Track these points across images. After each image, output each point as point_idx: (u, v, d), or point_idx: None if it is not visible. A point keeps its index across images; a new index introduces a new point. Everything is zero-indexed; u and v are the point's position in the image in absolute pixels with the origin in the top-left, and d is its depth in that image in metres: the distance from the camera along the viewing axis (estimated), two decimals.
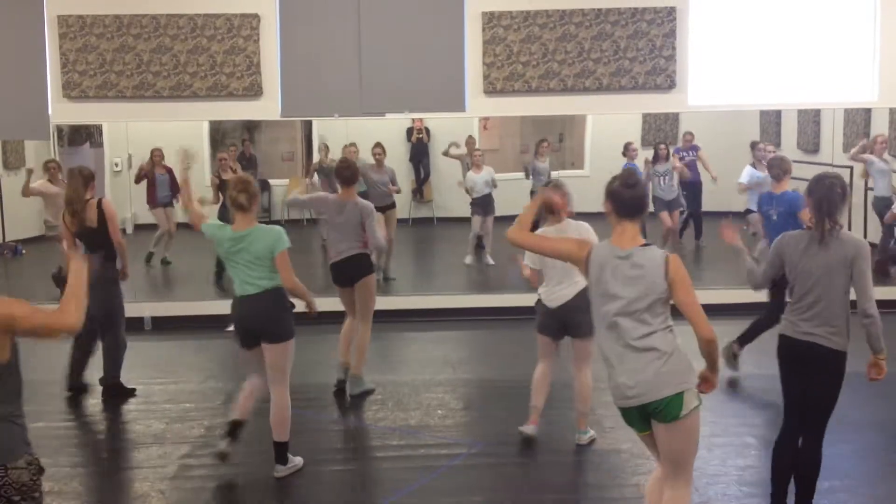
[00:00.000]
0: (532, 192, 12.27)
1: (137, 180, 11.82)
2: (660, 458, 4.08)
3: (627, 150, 11.72)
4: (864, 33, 9.38)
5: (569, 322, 5.80)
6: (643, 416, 3.95)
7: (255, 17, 9.21)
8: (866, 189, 11.29)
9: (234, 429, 5.63)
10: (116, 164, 12.77)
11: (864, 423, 6.41)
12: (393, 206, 11.31)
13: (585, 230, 5.66)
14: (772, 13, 9.34)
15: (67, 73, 9.16)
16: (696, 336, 3.86)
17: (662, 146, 12.01)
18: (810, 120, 12.30)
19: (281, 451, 5.56)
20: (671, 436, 3.91)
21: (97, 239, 6.94)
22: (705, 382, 3.99)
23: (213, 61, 9.20)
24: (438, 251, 13.84)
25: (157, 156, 11.81)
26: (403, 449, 6.11)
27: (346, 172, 7.07)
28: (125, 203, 12.34)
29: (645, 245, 3.95)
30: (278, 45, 9.17)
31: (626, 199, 3.95)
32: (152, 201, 11.89)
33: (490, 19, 9.24)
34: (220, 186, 11.47)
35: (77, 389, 7.26)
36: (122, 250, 7.11)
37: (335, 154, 12.09)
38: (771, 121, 13.09)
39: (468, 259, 11.92)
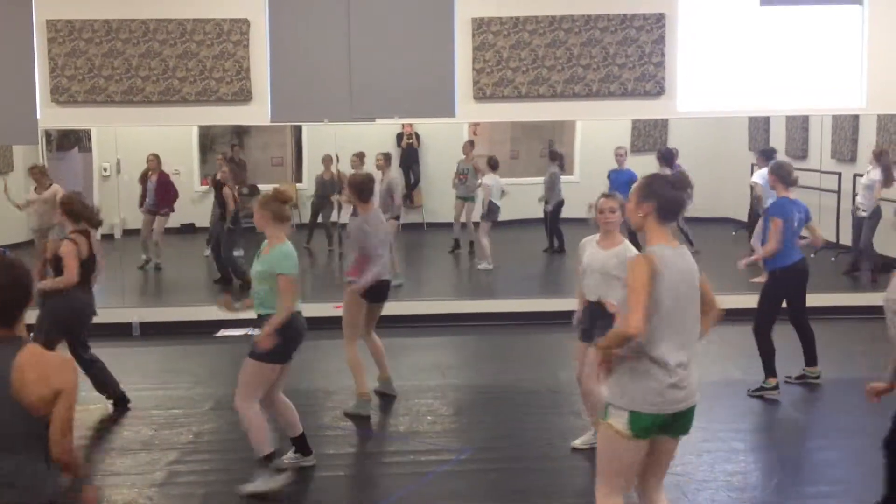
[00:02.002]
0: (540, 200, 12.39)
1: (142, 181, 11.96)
2: (646, 472, 3.98)
3: (616, 155, 11.74)
4: (852, 40, 9.43)
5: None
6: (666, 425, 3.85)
7: (245, 22, 9.20)
8: (854, 196, 11.35)
9: (300, 444, 5.72)
10: (105, 169, 12.73)
11: (853, 428, 6.43)
12: (397, 217, 11.35)
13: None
14: (760, 20, 9.38)
15: (56, 78, 9.13)
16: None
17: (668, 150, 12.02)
18: (799, 126, 12.36)
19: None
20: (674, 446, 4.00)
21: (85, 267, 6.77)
22: None
23: (202, 66, 9.18)
24: (428, 257, 13.83)
25: (150, 161, 11.79)
26: (393, 455, 6.10)
27: (362, 187, 6.84)
28: (114, 208, 12.29)
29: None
30: (268, 50, 9.16)
31: (677, 201, 3.84)
32: (142, 205, 11.94)
33: (480, 25, 9.25)
34: (214, 185, 11.47)
35: (120, 400, 7.07)
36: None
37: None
38: (759, 127, 13.15)
39: (483, 265, 11.93)
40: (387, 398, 7.16)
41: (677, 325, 3.78)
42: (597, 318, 5.55)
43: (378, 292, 6.87)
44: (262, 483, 5.32)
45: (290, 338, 5.37)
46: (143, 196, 11.97)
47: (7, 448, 3.09)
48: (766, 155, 11.17)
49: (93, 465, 6.02)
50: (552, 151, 13.15)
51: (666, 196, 3.80)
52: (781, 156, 12.28)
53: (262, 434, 5.34)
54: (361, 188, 6.81)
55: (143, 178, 11.97)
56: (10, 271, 3.18)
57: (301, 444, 5.70)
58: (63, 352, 6.52)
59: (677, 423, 3.87)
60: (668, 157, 11.50)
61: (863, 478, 5.66)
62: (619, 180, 11.38)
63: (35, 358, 3.11)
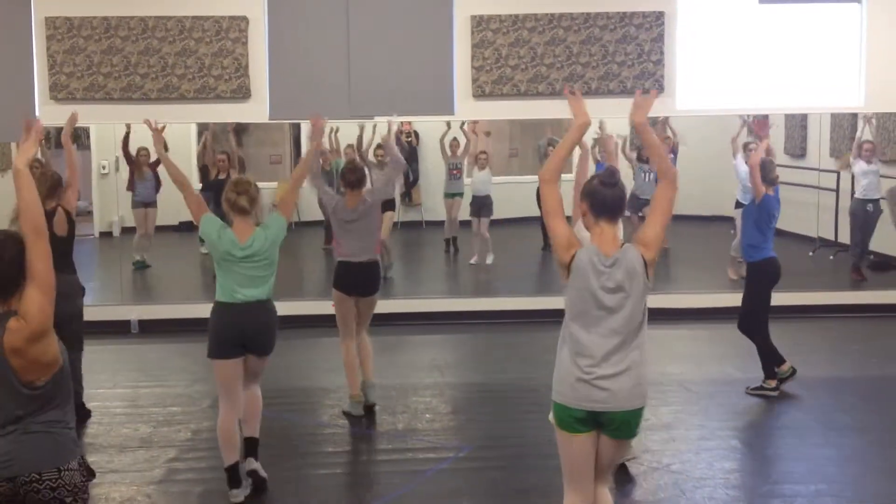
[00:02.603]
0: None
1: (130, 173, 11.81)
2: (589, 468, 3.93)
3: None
4: (851, 38, 9.44)
5: None
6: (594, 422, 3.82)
7: (244, 19, 9.19)
8: (852, 194, 11.36)
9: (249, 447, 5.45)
10: (104, 167, 12.74)
11: (849, 426, 6.45)
12: (392, 207, 11.34)
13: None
14: (760, 18, 9.38)
15: (55, 75, 9.12)
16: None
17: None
18: (797, 125, 12.37)
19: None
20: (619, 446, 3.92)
21: (62, 248, 6.23)
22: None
23: (201, 64, 9.17)
24: (427, 254, 13.84)
25: (143, 155, 11.75)
26: (391, 453, 6.11)
27: (351, 176, 6.77)
28: (112, 206, 12.31)
29: (623, 246, 3.82)
30: (267, 47, 9.16)
31: (606, 197, 3.80)
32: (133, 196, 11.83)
33: (479, 23, 9.25)
34: (214, 187, 11.43)
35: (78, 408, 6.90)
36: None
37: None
38: None
39: (474, 259, 11.97)
40: (384, 398, 7.13)
41: (588, 326, 3.77)
42: None
43: (350, 282, 6.66)
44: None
45: (214, 331, 5.25)
46: (132, 189, 11.80)
47: (14, 412, 3.18)
48: (746, 149, 11.23)
49: (92, 463, 6.03)
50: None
51: (594, 192, 3.84)
52: (780, 154, 12.31)
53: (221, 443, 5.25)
54: (343, 176, 6.82)
55: (135, 172, 11.76)
56: (14, 243, 3.23)
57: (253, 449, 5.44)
58: None
59: (607, 425, 3.79)
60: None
61: (859, 476, 5.67)
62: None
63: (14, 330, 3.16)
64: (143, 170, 11.79)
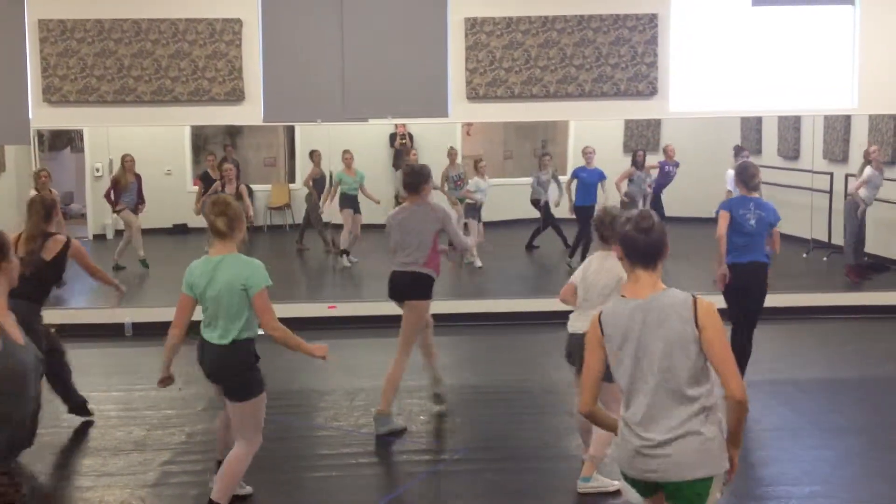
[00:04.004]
0: (536, 202, 12.39)
1: (108, 192, 11.63)
2: None
3: (584, 154, 11.77)
4: (844, 41, 9.47)
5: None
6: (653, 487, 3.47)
7: (238, 21, 9.19)
8: (846, 196, 11.38)
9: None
10: (97, 170, 12.71)
11: (843, 428, 6.45)
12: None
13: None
14: (753, 21, 9.41)
15: (48, 78, 9.11)
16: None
17: (640, 152, 12.13)
18: (790, 127, 12.40)
19: None
20: None
21: (48, 273, 6.04)
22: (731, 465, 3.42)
23: (194, 66, 9.17)
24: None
25: (128, 161, 11.65)
26: (386, 455, 6.10)
27: (407, 179, 6.49)
28: (106, 209, 12.26)
29: (664, 291, 3.42)
30: (261, 49, 9.16)
31: (639, 245, 3.41)
32: (118, 204, 11.71)
33: (473, 25, 9.26)
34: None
35: (79, 407, 6.82)
36: (112, 283, 6.63)
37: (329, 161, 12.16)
38: (751, 127, 13.18)
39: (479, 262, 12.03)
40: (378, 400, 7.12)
41: (637, 389, 3.38)
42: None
43: (392, 288, 6.58)
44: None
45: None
46: (117, 196, 11.68)
47: None
48: (735, 152, 11.28)
49: (86, 466, 6.01)
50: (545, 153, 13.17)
51: (626, 239, 3.47)
52: (773, 156, 12.34)
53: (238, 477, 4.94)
54: (405, 179, 6.53)
55: (119, 180, 11.66)
56: None
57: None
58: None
59: (668, 491, 3.42)
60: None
61: (853, 477, 5.68)
62: (591, 180, 11.52)
63: None
64: (126, 177, 11.63)
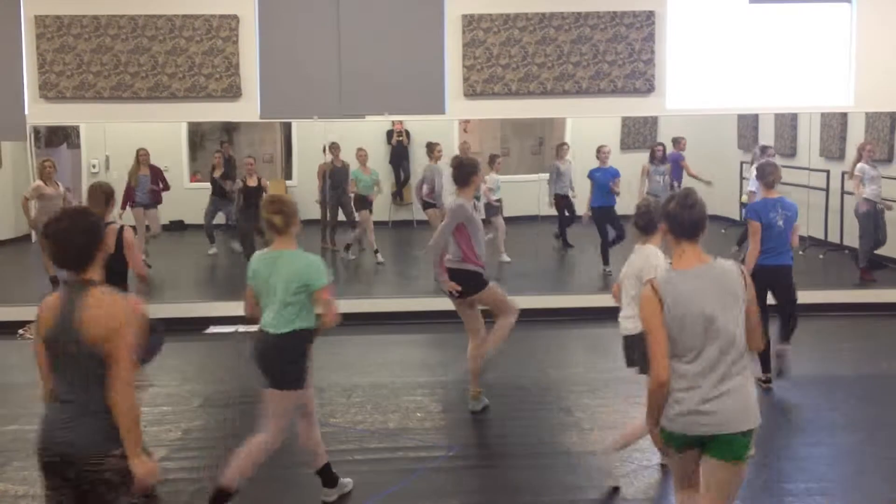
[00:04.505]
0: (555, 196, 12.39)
1: (126, 192, 11.56)
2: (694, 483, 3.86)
3: (599, 153, 11.69)
4: (841, 38, 9.47)
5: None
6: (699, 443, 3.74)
7: (234, 18, 9.18)
8: (843, 193, 11.39)
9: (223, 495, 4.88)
10: (94, 166, 12.69)
11: (840, 425, 6.46)
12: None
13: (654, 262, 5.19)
14: (750, 18, 9.41)
15: (44, 74, 9.09)
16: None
17: (659, 147, 11.96)
18: (787, 124, 12.40)
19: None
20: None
21: (112, 265, 6.30)
22: None
23: (191, 62, 9.16)
24: (418, 254, 13.81)
25: (142, 156, 11.64)
26: (382, 452, 6.10)
27: (457, 172, 6.45)
28: None
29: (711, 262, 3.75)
30: (257, 46, 9.15)
31: (684, 220, 3.76)
32: (131, 201, 11.72)
33: (470, 22, 9.25)
34: (244, 191, 11.39)
35: None
36: (145, 282, 6.56)
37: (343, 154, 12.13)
38: (748, 125, 13.19)
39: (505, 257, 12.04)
40: (375, 396, 7.14)
41: (695, 350, 3.66)
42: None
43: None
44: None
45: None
46: (129, 193, 11.73)
47: (79, 386, 3.33)
48: (760, 151, 11.13)
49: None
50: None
51: (672, 215, 3.79)
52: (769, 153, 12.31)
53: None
54: (456, 172, 6.49)
55: (130, 178, 11.70)
56: (84, 217, 3.42)
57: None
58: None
59: (716, 445, 3.69)
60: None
61: (849, 475, 5.69)
62: (605, 179, 11.37)
63: (96, 299, 3.31)
64: (137, 174, 11.63)
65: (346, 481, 5.39)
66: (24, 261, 12.38)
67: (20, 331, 9.30)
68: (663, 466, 5.56)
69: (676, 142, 12.32)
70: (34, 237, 11.63)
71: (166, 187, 11.90)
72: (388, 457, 5.99)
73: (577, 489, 5.42)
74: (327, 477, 5.26)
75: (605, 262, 11.28)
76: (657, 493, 5.34)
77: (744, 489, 5.37)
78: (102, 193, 6.07)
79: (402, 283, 11.74)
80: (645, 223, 5.23)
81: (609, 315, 9.85)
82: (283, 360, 4.84)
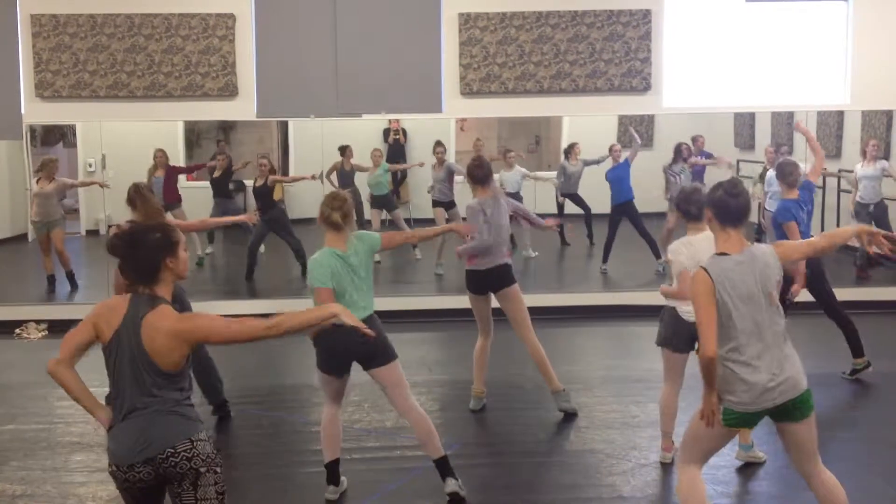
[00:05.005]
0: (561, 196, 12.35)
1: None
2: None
3: (612, 152, 11.64)
4: (837, 37, 9.49)
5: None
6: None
7: (231, 16, 9.17)
8: (839, 192, 11.40)
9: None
10: (90, 165, 12.68)
11: (839, 423, 6.47)
12: (454, 204, 11.50)
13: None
14: (746, 16, 9.42)
15: (41, 73, 9.08)
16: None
17: (685, 145, 11.85)
18: (784, 122, 12.40)
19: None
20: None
21: None
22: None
23: (187, 61, 9.15)
24: (415, 252, 13.80)
25: (158, 157, 11.47)
26: (379, 450, 6.10)
27: (477, 172, 6.49)
28: (99, 204, 12.24)
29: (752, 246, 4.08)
30: (254, 45, 9.14)
31: (731, 207, 4.05)
32: None
33: (466, 21, 9.25)
34: (254, 192, 11.23)
35: (220, 407, 6.67)
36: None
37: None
38: (745, 123, 13.20)
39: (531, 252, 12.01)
40: (372, 395, 7.12)
41: (752, 330, 4.00)
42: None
43: (476, 281, 6.67)
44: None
45: (323, 349, 5.22)
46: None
47: (146, 393, 3.46)
48: (775, 149, 11.05)
49: (79, 461, 6.01)
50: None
51: (719, 202, 4.07)
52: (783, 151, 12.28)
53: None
54: (471, 172, 6.54)
55: (150, 175, 11.56)
56: (155, 232, 3.47)
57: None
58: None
59: (787, 410, 4.12)
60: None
61: (848, 473, 5.69)
62: (622, 174, 11.26)
63: (159, 316, 3.40)
64: (154, 174, 11.44)
65: (342, 479, 5.40)
66: (21, 260, 12.37)
67: (17, 330, 9.29)
68: (662, 464, 5.58)
69: (694, 140, 12.30)
70: (30, 236, 11.63)
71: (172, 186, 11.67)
72: (386, 455, 6.00)
73: (575, 487, 5.42)
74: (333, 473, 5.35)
75: (605, 260, 11.32)
76: (655, 490, 5.35)
77: (739, 487, 5.39)
78: (149, 191, 6.24)
79: (400, 282, 11.74)
80: (698, 210, 5.32)
81: (608, 313, 9.85)
82: (384, 335, 5.28)
